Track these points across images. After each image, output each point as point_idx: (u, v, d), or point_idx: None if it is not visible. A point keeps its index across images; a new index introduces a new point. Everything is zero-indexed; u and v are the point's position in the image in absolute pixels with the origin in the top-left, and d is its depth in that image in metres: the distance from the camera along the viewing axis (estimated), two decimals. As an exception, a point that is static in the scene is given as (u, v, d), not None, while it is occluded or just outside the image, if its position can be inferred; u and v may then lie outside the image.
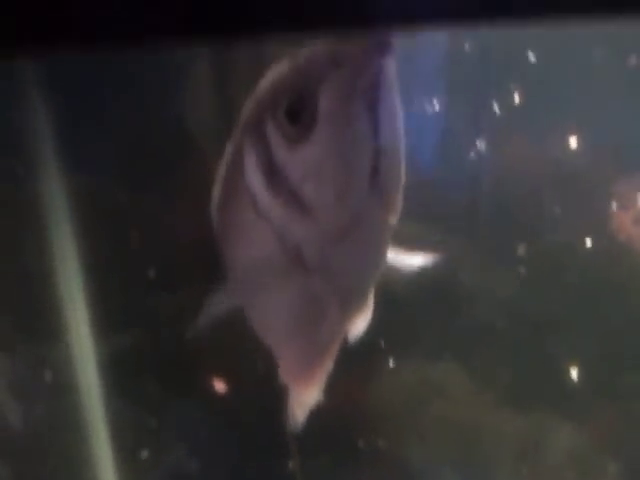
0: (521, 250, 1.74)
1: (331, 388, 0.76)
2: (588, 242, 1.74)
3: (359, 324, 0.71)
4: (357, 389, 1.56)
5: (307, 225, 0.58)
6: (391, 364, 1.63)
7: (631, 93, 1.64)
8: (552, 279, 1.74)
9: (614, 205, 1.80)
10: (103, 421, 1.53)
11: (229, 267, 0.67)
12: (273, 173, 0.57)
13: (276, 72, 0.57)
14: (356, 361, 1.54)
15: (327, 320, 0.64)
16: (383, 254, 0.64)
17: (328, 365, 0.74)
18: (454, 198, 1.70)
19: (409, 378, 1.68)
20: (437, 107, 1.64)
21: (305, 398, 0.77)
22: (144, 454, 1.57)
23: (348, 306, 0.66)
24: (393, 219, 0.60)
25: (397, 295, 1.69)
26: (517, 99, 1.65)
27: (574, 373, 1.76)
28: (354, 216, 0.57)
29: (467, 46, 1.59)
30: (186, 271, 1.49)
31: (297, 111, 0.54)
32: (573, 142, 1.70)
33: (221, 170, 0.64)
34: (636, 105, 1.65)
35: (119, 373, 1.54)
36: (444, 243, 1.50)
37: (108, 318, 1.52)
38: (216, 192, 0.65)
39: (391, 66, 0.53)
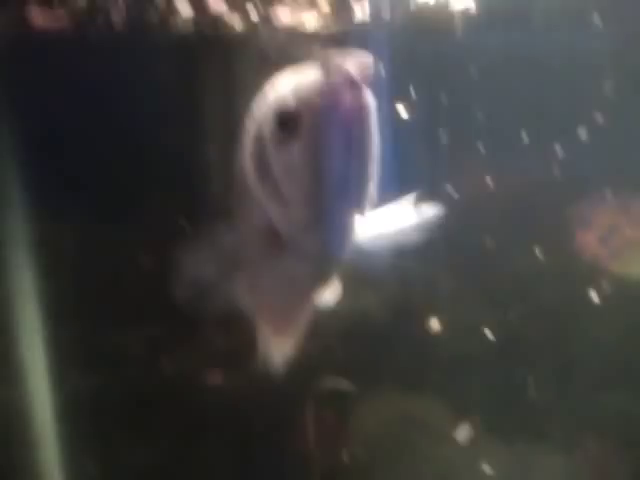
0: (490, 275, 1.69)
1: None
2: (552, 263, 1.71)
3: (328, 296, 0.88)
4: (334, 426, 1.44)
5: (283, 213, 0.72)
6: (370, 398, 1.52)
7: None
8: (522, 303, 1.69)
9: (577, 225, 1.79)
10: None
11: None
12: (263, 166, 0.70)
13: (278, 84, 0.69)
14: (332, 399, 1.46)
15: (299, 290, 0.82)
16: (347, 244, 0.77)
17: (301, 322, 0.88)
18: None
19: (389, 413, 1.56)
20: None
21: (282, 346, 0.91)
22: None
23: (317, 281, 0.82)
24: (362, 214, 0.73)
25: (374, 326, 1.62)
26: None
27: (549, 398, 1.69)
28: (322, 212, 0.71)
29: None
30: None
31: (285, 120, 0.66)
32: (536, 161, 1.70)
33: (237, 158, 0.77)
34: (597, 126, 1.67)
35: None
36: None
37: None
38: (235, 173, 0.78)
39: (366, 97, 0.64)
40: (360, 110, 0.65)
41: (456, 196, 1.67)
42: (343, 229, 0.75)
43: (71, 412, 1.46)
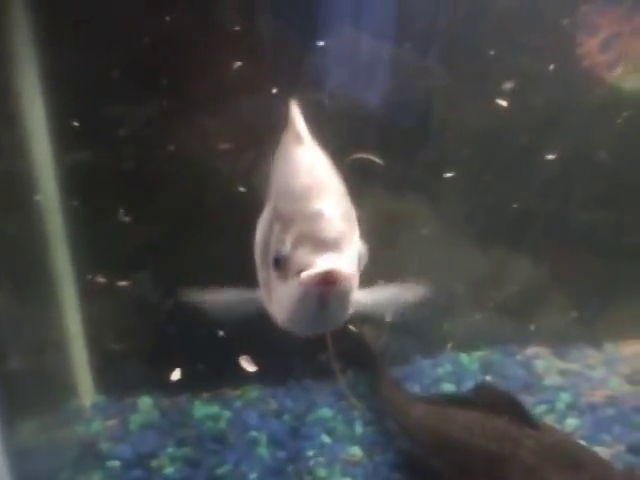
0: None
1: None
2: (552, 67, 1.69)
3: None
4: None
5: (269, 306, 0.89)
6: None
7: None
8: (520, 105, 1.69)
9: (580, 30, 1.73)
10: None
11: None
12: (265, 265, 0.87)
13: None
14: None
15: None
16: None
17: None
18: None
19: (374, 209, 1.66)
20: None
21: None
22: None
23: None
24: None
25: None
26: None
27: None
28: (298, 332, 0.88)
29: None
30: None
31: (279, 265, 0.80)
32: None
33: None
34: None
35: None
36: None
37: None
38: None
39: (343, 282, 0.74)
40: (335, 293, 0.75)
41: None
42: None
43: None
